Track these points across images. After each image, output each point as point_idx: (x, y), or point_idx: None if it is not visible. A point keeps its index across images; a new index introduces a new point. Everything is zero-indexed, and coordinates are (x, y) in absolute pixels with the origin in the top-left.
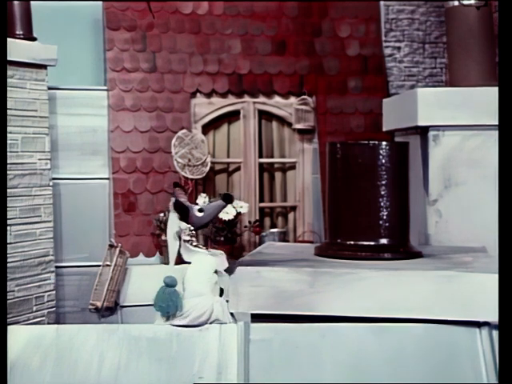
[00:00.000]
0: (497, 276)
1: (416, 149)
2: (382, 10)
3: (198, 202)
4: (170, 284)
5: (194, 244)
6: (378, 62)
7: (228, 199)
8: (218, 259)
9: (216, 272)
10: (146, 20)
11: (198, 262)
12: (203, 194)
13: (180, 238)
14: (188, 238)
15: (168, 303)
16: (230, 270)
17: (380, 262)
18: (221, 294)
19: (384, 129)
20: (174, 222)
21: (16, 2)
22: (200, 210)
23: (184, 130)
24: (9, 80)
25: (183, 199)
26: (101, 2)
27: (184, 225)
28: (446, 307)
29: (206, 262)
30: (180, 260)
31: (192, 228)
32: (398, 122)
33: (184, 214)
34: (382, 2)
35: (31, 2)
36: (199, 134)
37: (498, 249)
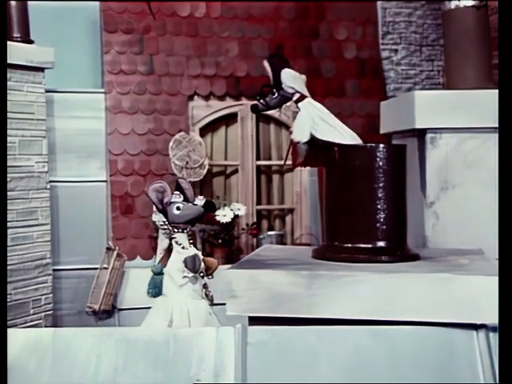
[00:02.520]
0: (493, 278)
1: (413, 151)
2: (379, 13)
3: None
4: (156, 272)
5: (175, 240)
6: (375, 64)
7: (208, 207)
8: (184, 259)
9: (187, 274)
10: (143, 22)
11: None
12: (200, 197)
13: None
14: (164, 230)
15: (156, 289)
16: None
17: (377, 264)
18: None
19: (381, 131)
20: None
21: (13, 5)
22: (178, 208)
23: (182, 133)
24: None
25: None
26: (98, 4)
27: (157, 217)
28: (443, 310)
29: (171, 260)
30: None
31: (166, 221)
32: (395, 124)
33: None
34: (379, 5)
35: (28, 5)
36: (197, 137)
37: (498, 251)
